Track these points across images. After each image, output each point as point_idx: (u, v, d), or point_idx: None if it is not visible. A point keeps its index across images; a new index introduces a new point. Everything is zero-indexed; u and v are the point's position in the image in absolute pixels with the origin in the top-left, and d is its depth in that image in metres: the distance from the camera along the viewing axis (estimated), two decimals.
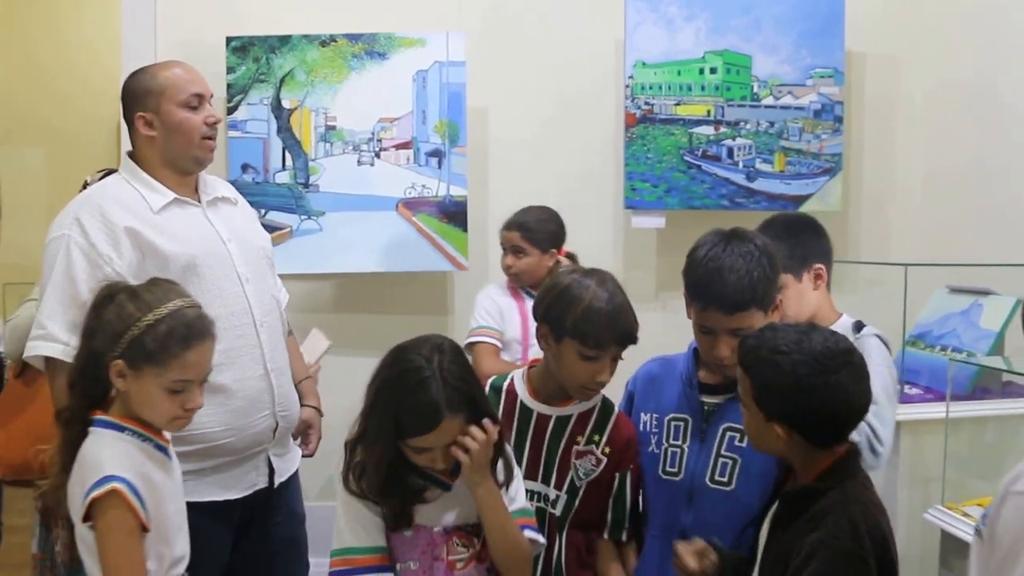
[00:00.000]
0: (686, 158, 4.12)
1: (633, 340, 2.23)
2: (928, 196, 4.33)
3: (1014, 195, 3.80)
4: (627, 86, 4.08)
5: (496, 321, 3.46)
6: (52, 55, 6.27)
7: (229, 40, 3.93)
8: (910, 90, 4.37)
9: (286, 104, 3.95)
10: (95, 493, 1.92)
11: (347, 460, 2.10)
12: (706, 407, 2.28)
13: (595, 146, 4.16)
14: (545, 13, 4.15)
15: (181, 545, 2.12)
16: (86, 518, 1.94)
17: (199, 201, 2.73)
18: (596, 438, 2.31)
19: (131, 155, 2.70)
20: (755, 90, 4.14)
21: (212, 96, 2.73)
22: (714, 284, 2.15)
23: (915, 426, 2.97)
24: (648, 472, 2.33)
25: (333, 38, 3.96)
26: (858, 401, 1.87)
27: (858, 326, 2.59)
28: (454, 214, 4.01)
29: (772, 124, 4.16)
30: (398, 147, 3.99)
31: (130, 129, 2.68)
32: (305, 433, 2.93)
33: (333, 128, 3.97)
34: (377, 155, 3.99)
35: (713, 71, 4.11)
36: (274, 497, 2.78)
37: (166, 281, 2.17)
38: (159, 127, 2.65)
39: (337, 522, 2.12)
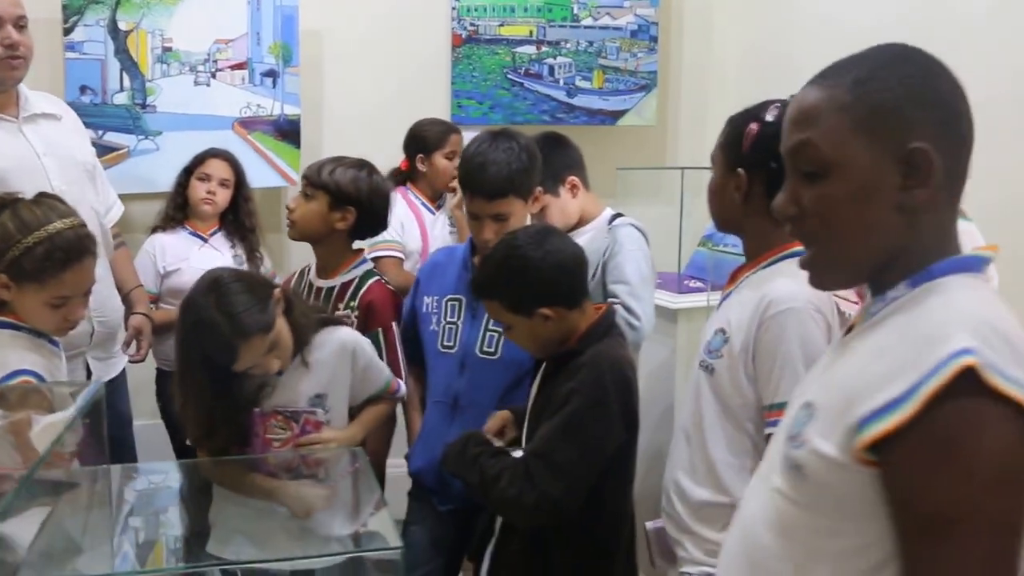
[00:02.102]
0: (510, 76, 4.39)
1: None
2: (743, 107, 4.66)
3: None
4: (453, 8, 4.32)
5: (397, 234, 3.59)
6: None
7: None
8: (723, 4, 4.68)
9: (122, 26, 4.08)
10: (8, 385, 2.08)
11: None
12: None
13: (424, 66, 4.40)
14: None
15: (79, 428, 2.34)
16: None
17: (16, 117, 2.89)
18: (352, 303, 2.64)
19: None
20: (575, 12, 4.41)
21: (20, 18, 2.84)
22: (478, 174, 2.47)
23: (690, 312, 3.34)
24: (429, 347, 2.64)
25: None
26: (576, 256, 2.22)
27: (614, 217, 2.96)
28: (288, 132, 4.21)
29: (591, 44, 4.44)
30: (234, 68, 4.16)
31: None
32: (136, 339, 3.15)
33: (169, 49, 4.11)
34: (213, 76, 4.15)
35: None
36: None
37: (52, 198, 2.31)
38: None
39: None
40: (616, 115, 4.48)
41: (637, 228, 2.94)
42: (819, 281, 1.27)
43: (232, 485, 2.30)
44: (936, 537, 1.04)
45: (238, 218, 3.71)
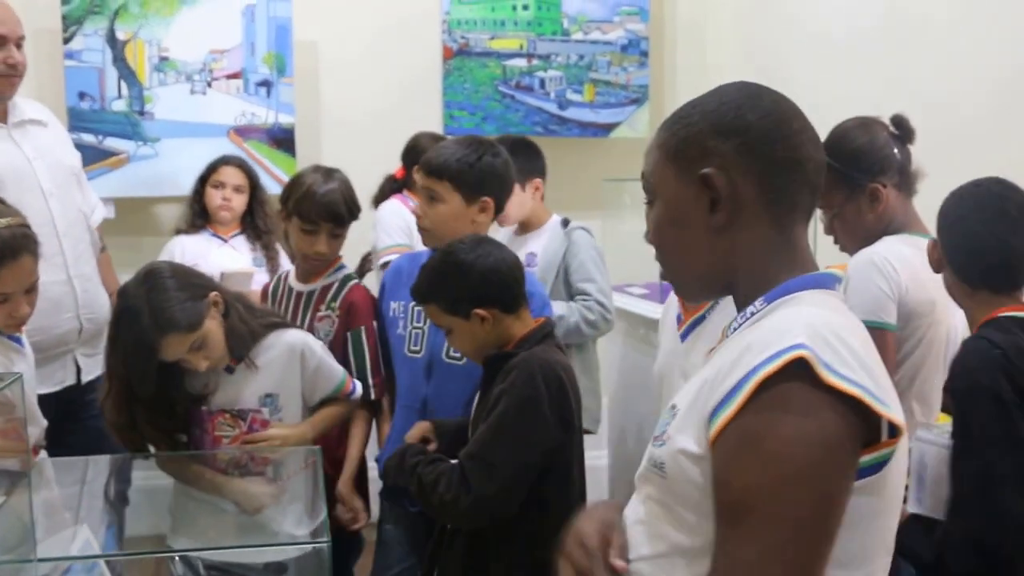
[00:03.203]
0: (500, 88, 4.46)
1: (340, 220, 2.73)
2: None
3: (811, 105, 4.18)
4: (444, 21, 4.39)
5: (406, 236, 3.61)
6: None
7: None
8: (717, 16, 4.72)
9: (120, 36, 4.19)
10: None
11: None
12: None
13: (416, 77, 4.47)
14: None
15: (41, 422, 2.43)
16: None
17: (6, 123, 3.01)
18: (333, 304, 2.71)
19: None
20: (565, 26, 4.47)
21: (21, 38, 3.00)
22: (427, 153, 2.71)
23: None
24: (396, 352, 2.70)
25: None
26: (510, 263, 2.29)
27: (565, 222, 3.26)
28: (282, 140, 4.30)
29: (582, 57, 4.50)
30: (229, 77, 4.26)
31: None
32: None
33: (166, 59, 4.22)
34: (209, 84, 4.25)
35: (525, 8, 4.44)
36: (86, 393, 3.09)
37: None
38: None
39: None
40: (608, 128, 4.54)
41: (586, 231, 3.27)
42: (678, 294, 1.45)
43: (184, 479, 2.38)
44: (732, 525, 1.07)
45: (254, 220, 3.80)
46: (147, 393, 2.28)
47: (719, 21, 4.72)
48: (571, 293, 3.22)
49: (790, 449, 1.06)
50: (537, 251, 3.29)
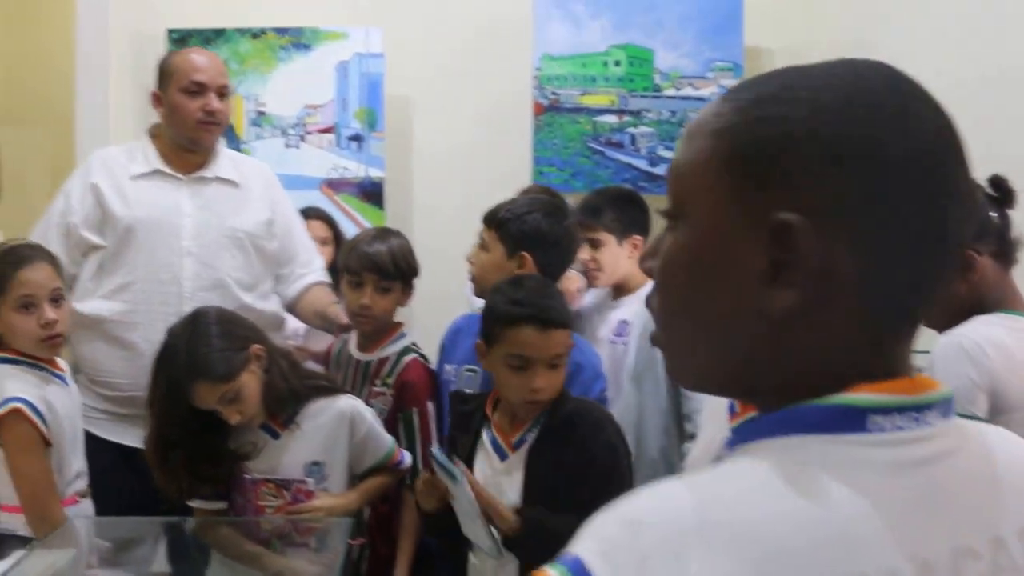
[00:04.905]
0: (591, 145, 4.43)
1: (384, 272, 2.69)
2: None
3: None
4: (535, 77, 4.39)
5: None
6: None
7: (170, 32, 4.30)
8: None
9: None
10: None
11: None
12: None
13: (506, 133, 4.47)
14: (458, 9, 4.46)
15: (78, 462, 2.50)
16: None
17: (186, 175, 3.04)
18: (388, 380, 2.68)
19: (157, 125, 3.10)
20: (657, 82, 4.42)
21: (223, 87, 3.07)
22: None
23: None
24: None
25: (263, 31, 4.33)
26: None
27: None
28: (372, 194, 4.36)
29: (674, 114, 4.44)
30: (322, 131, 4.35)
31: None
32: None
33: (263, 113, 4.33)
34: (302, 138, 4.35)
35: (617, 64, 4.41)
36: None
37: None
38: (165, 106, 3.03)
39: None
40: None
41: None
42: (669, 371, 0.88)
43: (224, 549, 2.39)
44: None
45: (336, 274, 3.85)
46: (176, 436, 2.31)
47: None
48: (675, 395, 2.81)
49: None
50: (630, 319, 2.97)
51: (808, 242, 0.73)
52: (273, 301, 3.16)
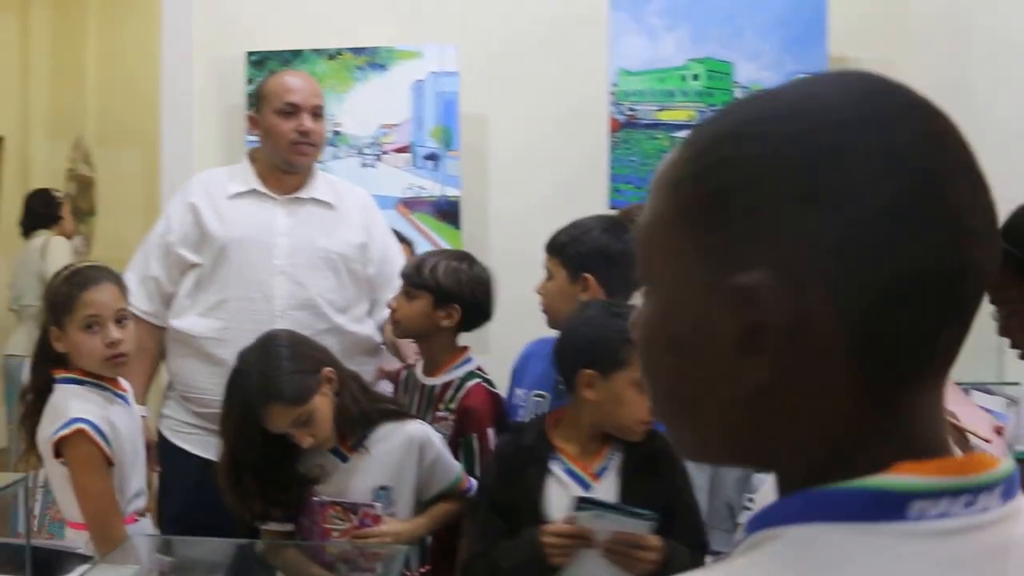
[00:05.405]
0: None
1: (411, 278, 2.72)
2: None
3: (997, 197, 3.87)
4: (611, 93, 4.33)
5: None
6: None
7: (249, 55, 4.35)
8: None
9: None
10: (62, 432, 2.34)
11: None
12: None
13: (582, 150, 4.42)
14: (533, 26, 4.42)
15: (137, 481, 2.54)
16: (57, 455, 2.38)
17: (281, 195, 3.08)
18: (451, 406, 2.64)
19: (257, 148, 3.17)
20: (737, 95, 4.32)
21: (317, 107, 3.09)
22: None
23: None
24: None
25: (339, 52, 4.34)
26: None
27: None
28: (448, 213, 4.34)
29: None
30: (397, 151, 4.35)
31: None
32: None
33: (339, 133, 4.34)
34: (378, 158, 4.35)
35: (695, 78, 4.32)
36: None
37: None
38: (261, 128, 3.09)
39: None
40: None
41: None
42: (676, 445, 0.80)
43: (289, 570, 2.38)
44: None
45: None
46: (249, 459, 2.30)
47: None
48: None
49: None
50: None
51: (775, 302, 0.64)
52: (368, 325, 3.16)
